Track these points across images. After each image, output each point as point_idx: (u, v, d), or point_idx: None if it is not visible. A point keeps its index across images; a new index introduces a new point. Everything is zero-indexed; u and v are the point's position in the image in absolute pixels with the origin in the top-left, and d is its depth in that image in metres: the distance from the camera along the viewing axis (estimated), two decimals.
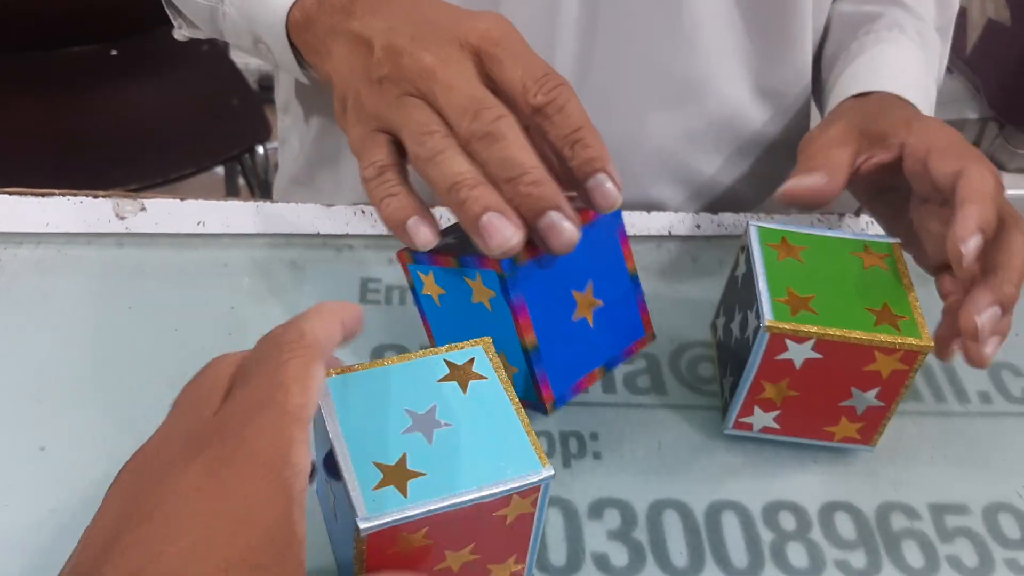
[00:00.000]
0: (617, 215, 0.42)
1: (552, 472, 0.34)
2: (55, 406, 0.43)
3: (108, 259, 0.51)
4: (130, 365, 0.45)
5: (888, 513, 0.44)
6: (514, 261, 0.38)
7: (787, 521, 0.43)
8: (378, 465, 0.33)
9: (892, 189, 0.49)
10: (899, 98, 0.54)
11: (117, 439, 0.42)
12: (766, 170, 0.66)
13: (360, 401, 0.35)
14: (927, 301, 0.44)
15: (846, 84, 0.57)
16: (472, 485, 0.33)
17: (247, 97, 1.38)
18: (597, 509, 0.42)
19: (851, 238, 0.45)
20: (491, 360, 0.37)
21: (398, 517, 0.32)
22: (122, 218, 0.53)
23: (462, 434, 0.35)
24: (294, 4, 0.46)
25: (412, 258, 0.42)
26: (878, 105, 0.53)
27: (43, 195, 0.53)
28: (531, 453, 0.35)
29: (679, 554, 0.41)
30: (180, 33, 0.60)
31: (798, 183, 0.47)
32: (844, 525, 0.43)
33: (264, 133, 1.31)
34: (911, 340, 0.41)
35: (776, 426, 0.45)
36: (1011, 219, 0.44)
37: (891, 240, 0.46)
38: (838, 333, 0.41)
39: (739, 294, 0.46)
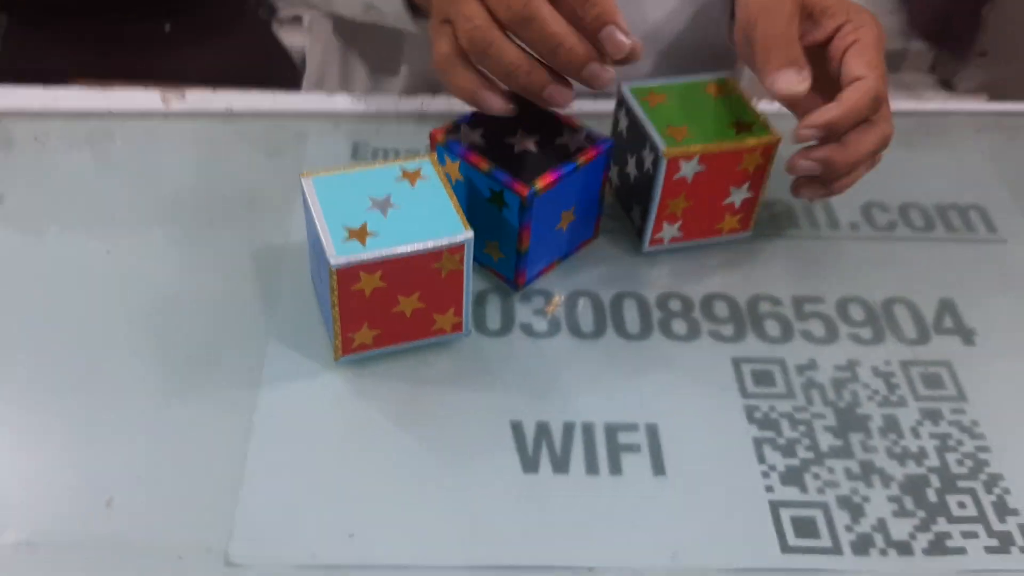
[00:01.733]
0: (609, 156, 0.54)
1: (471, 234, 0.47)
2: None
3: (164, 130, 0.65)
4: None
5: (757, 301, 0.56)
6: (536, 192, 0.50)
7: (675, 305, 0.55)
8: (346, 228, 0.47)
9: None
10: None
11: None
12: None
13: (336, 192, 0.48)
14: None
15: None
16: (413, 241, 0.46)
17: (289, 69, 1.51)
18: (527, 294, 0.55)
19: (697, 80, 0.57)
20: (435, 168, 0.50)
21: (356, 258, 0.45)
22: (167, 104, 0.67)
23: (408, 211, 0.48)
24: None
25: (445, 143, 0.53)
26: None
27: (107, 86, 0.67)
28: (457, 223, 0.47)
29: (587, 325, 0.54)
30: (287, 11, 0.71)
31: (796, 90, 0.51)
32: (720, 309, 0.55)
33: None
34: (765, 138, 0.54)
35: (680, 234, 0.57)
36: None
37: (724, 74, 0.58)
38: (714, 146, 0.53)
39: (626, 143, 0.58)
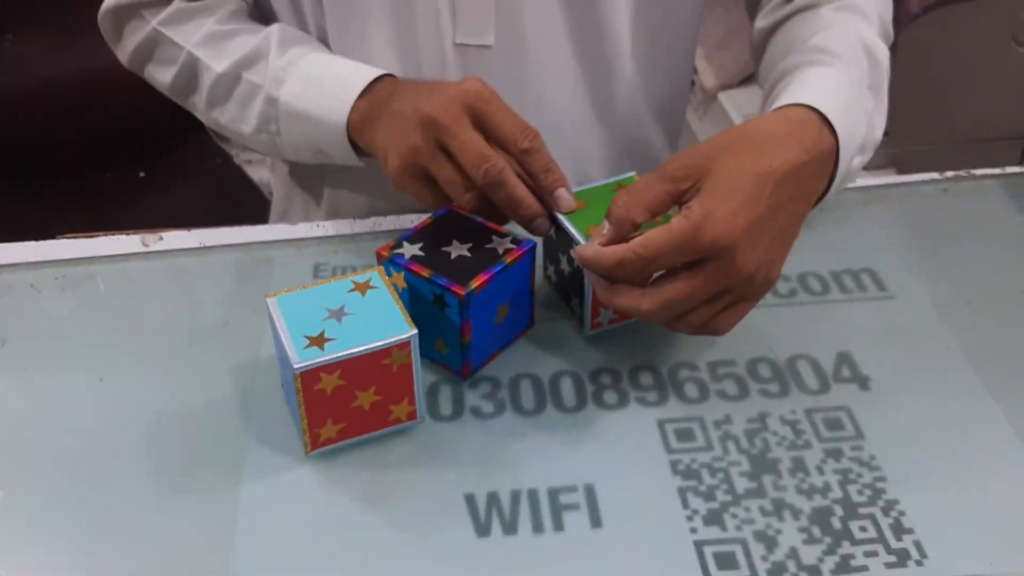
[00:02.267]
0: (533, 254, 0.62)
1: (415, 331, 0.55)
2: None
3: (142, 268, 0.73)
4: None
5: (678, 368, 0.63)
6: (472, 291, 0.58)
7: (605, 379, 0.63)
8: (306, 336, 0.54)
9: None
10: (800, 120, 0.59)
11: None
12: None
13: (298, 307, 0.56)
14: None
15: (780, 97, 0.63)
16: (365, 342, 0.54)
17: (258, 201, 1.61)
18: (475, 382, 0.63)
19: (605, 183, 0.65)
20: (382, 278, 0.58)
21: (317, 362, 0.53)
22: (146, 245, 0.75)
23: (360, 317, 0.55)
24: (351, 112, 0.68)
25: (390, 257, 0.61)
26: (751, 131, 0.58)
27: (93, 235, 0.75)
28: (403, 323, 0.55)
29: (528, 403, 0.61)
30: (240, 158, 0.82)
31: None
32: (646, 378, 0.63)
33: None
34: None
35: (616, 316, 0.65)
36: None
37: (633, 174, 0.66)
38: None
39: (556, 244, 0.66)
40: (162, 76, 0.79)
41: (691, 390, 0.62)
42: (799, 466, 0.57)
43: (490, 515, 0.54)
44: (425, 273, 0.59)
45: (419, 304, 0.61)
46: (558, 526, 0.54)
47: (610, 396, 0.62)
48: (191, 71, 0.77)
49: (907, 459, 0.57)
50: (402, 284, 0.60)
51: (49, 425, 0.60)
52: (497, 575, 0.51)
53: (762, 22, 0.78)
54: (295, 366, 0.53)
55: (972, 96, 1.12)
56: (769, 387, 0.62)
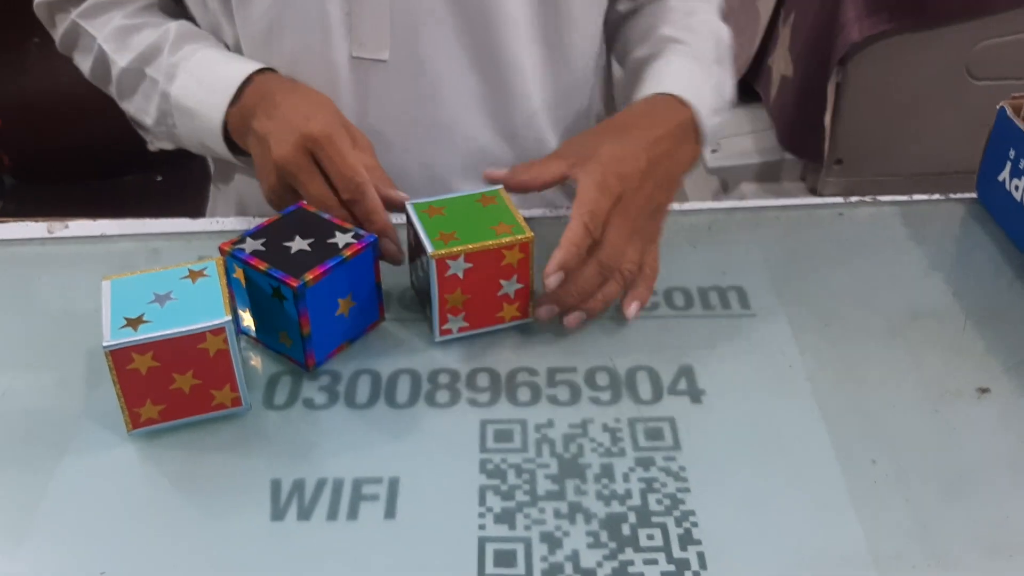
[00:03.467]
0: (375, 248, 0.64)
1: (230, 318, 0.56)
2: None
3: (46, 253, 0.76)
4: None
5: (516, 373, 0.64)
6: (305, 284, 0.60)
7: (443, 378, 0.64)
8: (125, 318, 0.56)
9: None
10: (663, 103, 0.72)
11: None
12: None
13: (128, 291, 0.58)
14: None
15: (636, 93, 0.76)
16: (179, 326, 0.56)
17: None
18: (317, 374, 0.64)
19: (471, 193, 0.67)
20: (218, 268, 0.60)
21: (127, 341, 0.55)
22: (50, 232, 0.78)
23: (183, 303, 0.58)
24: (227, 114, 0.71)
25: (231, 252, 0.63)
26: (614, 121, 0.72)
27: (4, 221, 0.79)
28: (220, 310, 0.57)
29: (362, 397, 0.62)
30: (153, 146, 0.87)
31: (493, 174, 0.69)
32: (482, 379, 0.64)
33: None
34: (520, 237, 0.63)
35: (466, 324, 0.66)
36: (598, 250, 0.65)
37: (498, 187, 0.67)
38: (476, 246, 0.62)
39: (414, 250, 0.67)
40: (84, 66, 0.83)
41: (523, 393, 0.63)
42: (606, 472, 0.57)
43: (290, 501, 0.56)
44: (262, 266, 0.61)
45: (260, 298, 0.63)
46: (352, 515, 0.55)
47: (442, 395, 0.63)
48: (102, 63, 0.80)
49: (716, 472, 0.57)
50: (243, 279, 0.62)
51: None
52: (279, 559, 0.53)
53: (622, 6, 0.86)
54: (104, 344, 0.55)
55: (926, 129, 1.10)
56: (601, 395, 0.63)
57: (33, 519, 0.55)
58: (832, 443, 0.59)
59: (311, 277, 0.60)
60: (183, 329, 0.56)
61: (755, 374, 0.64)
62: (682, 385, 0.63)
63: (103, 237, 0.78)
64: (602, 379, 0.64)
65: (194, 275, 0.60)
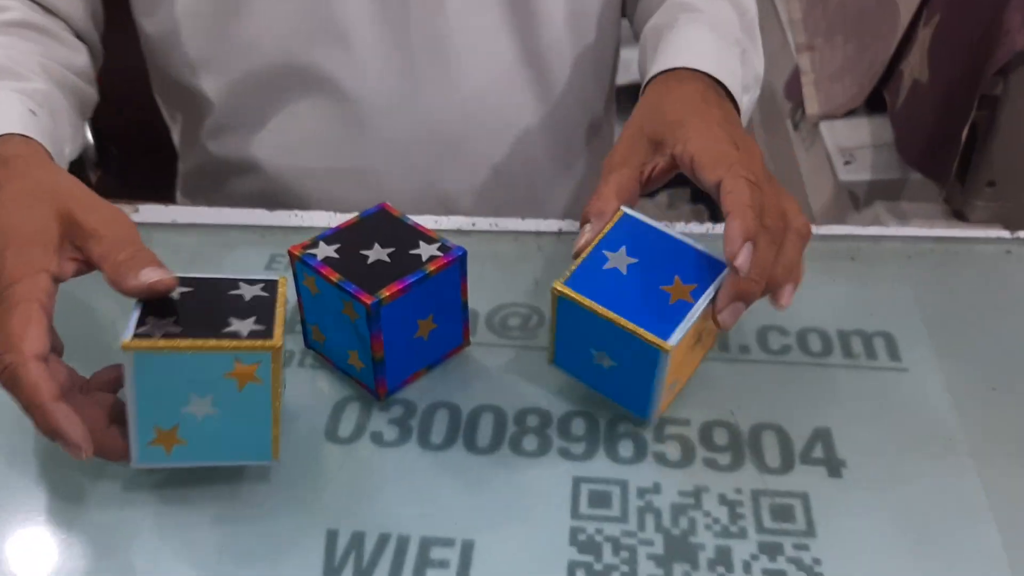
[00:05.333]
0: (463, 263, 0.55)
1: (272, 461, 0.49)
2: None
3: None
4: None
5: (617, 422, 0.55)
6: (380, 301, 0.51)
7: (532, 420, 0.55)
8: (156, 428, 0.48)
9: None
10: (694, 79, 0.60)
11: None
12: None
13: (162, 376, 0.46)
14: None
15: (652, 66, 0.64)
16: (216, 459, 0.49)
17: None
18: (388, 404, 0.56)
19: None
20: (272, 367, 0.47)
21: (157, 465, 0.49)
22: None
23: (224, 422, 0.48)
24: None
25: (301, 258, 0.54)
26: (664, 97, 0.60)
27: None
28: (267, 448, 0.49)
29: (439, 435, 0.54)
30: None
31: (578, 247, 0.54)
32: (577, 426, 0.54)
33: None
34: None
35: None
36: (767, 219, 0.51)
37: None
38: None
39: None
40: None
41: (625, 448, 0.53)
42: (722, 558, 0.47)
43: (346, 559, 0.47)
44: (334, 277, 0.53)
45: (331, 312, 0.54)
46: None
47: (530, 442, 0.54)
48: None
49: (859, 568, 0.47)
50: (315, 289, 0.54)
51: None
52: None
53: None
54: (133, 464, 0.48)
55: None
56: (719, 457, 0.53)
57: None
58: (1001, 538, 0.48)
59: (388, 294, 0.52)
60: (223, 463, 0.50)
61: (907, 445, 0.53)
62: (818, 452, 0.53)
63: (173, 225, 0.71)
64: (720, 437, 0.54)
65: (242, 373, 0.47)
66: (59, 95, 0.65)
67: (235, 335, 0.46)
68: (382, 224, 0.57)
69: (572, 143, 0.85)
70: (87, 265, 0.50)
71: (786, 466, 0.52)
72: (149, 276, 0.48)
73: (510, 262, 0.67)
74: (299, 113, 0.76)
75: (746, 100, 0.66)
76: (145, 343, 0.46)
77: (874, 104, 1.24)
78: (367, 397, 0.56)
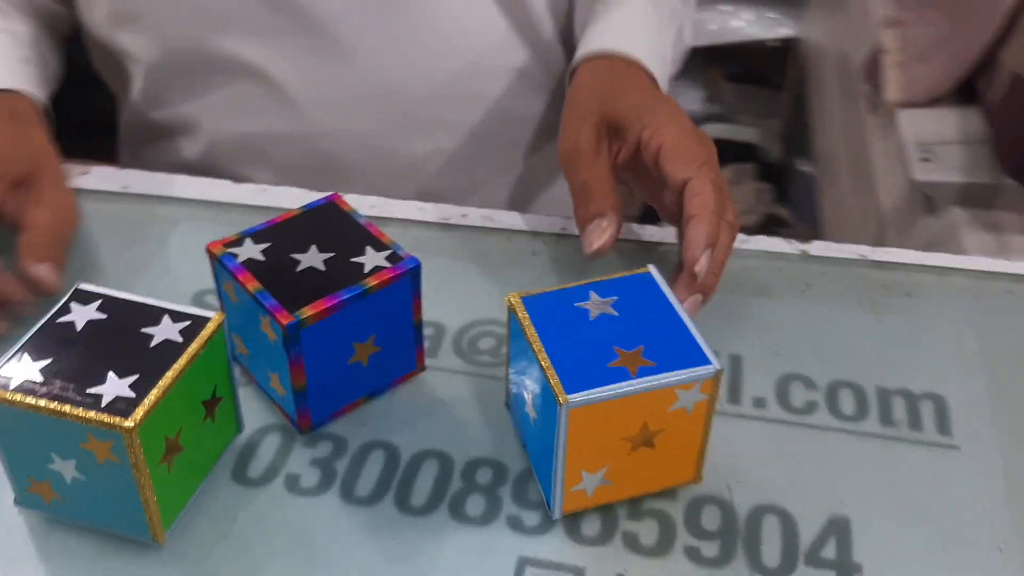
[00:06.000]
0: (415, 278, 0.45)
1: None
2: None
3: None
4: None
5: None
6: (301, 322, 0.42)
7: (483, 475, 0.45)
8: (29, 478, 0.41)
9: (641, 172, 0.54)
10: (633, 66, 0.58)
11: None
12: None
13: (17, 427, 0.39)
14: None
15: (587, 41, 0.61)
16: (96, 524, 0.42)
17: None
18: (313, 439, 0.47)
19: None
20: (129, 449, 0.38)
21: (36, 511, 0.42)
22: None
23: (93, 489, 0.40)
24: None
25: (219, 259, 0.45)
26: (612, 80, 0.57)
27: None
28: (144, 528, 0.40)
29: (366, 486, 0.44)
30: None
31: (601, 245, 0.51)
32: (536, 488, 0.44)
33: None
34: None
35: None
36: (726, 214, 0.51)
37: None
38: None
39: None
40: None
41: (590, 524, 0.43)
42: None
43: None
44: (251, 286, 0.43)
45: (250, 325, 0.45)
46: None
47: (475, 504, 0.44)
48: None
49: None
50: (234, 297, 0.45)
51: None
52: None
53: None
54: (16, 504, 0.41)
55: None
56: (704, 547, 0.42)
57: None
58: None
59: (311, 313, 0.42)
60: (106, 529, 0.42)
61: (944, 551, 0.42)
62: (829, 550, 0.42)
63: (123, 194, 0.62)
64: (710, 519, 0.43)
65: (97, 451, 0.38)
66: (44, 35, 0.68)
67: (94, 403, 0.37)
68: (327, 220, 0.47)
69: (555, 100, 0.75)
70: (15, 216, 0.53)
71: (787, 566, 0.41)
72: (38, 271, 0.51)
73: (497, 265, 0.57)
74: (235, 73, 0.67)
75: (667, 84, 0.65)
76: None
77: (965, 95, 1.09)
78: (290, 429, 0.47)
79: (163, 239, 0.59)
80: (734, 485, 0.45)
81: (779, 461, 0.46)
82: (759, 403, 0.49)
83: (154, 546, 0.41)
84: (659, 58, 0.61)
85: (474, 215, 0.61)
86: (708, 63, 1.93)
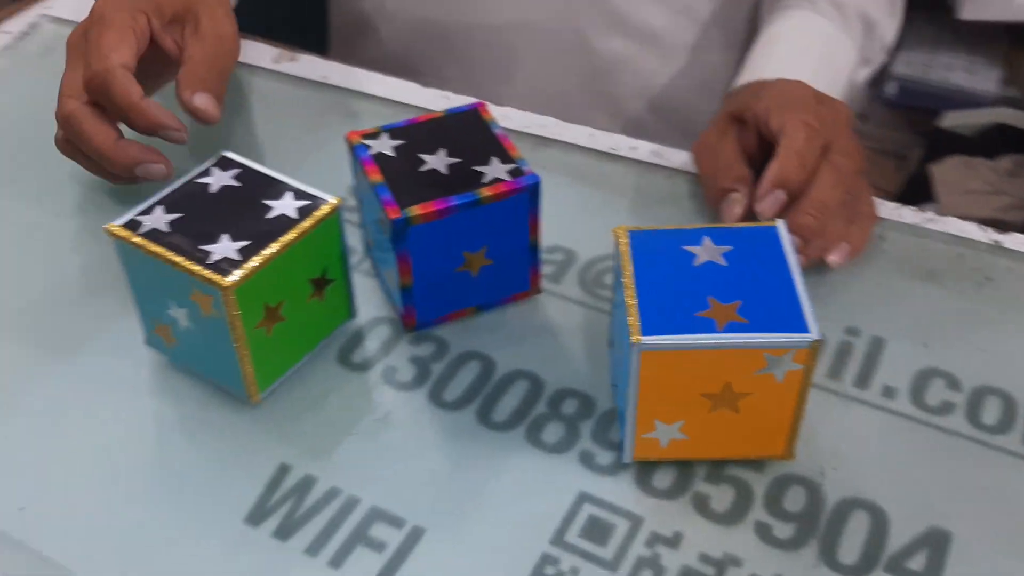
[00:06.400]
0: (533, 195, 0.45)
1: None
2: None
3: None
4: None
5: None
6: (408, 219, 0.43)
7: (569, 406, 0.44)
8: (152, 319, 0.45)
9: None
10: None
11: None
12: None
13: (140, 270, 0.43)
14: None
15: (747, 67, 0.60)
16: (204, 373, 0.45)
17: None
18: (417, 339, 0.47)
19: None
20: (227, 308, 0.40)
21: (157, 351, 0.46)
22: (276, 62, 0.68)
23: (200, 339, 0.43)
24: None
25: (355, 148, 0.46)
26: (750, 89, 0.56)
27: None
28: (241, 385, 0.43)
29: (453, 393, 0.45)
30: None
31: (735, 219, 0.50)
32: (618, 430, 0.43)
33: None
34: None
35: None
36: (832, 156, 0.49)
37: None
38: None
39: None
40: None
41: (663, 476, 0.41)
42: None
43: (285, 499, 0.41)
44: (374, 178, 0.44)
45: (375, 219, 0.46)
46: (336, 562, 0.39)
47: (553, 431, 0.43)
48: None
49: None
50: (369, 179, 0.46)
51: None
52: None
53: None
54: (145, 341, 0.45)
55: None
56: (778, 527, 0.39)
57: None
58: None
59: (420, 213, 0.43)
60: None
61: None
62: (917, 562, 0.38)
63: (321, 84, 0.65)
64: (794, 500, 0.40)
65: (202, 304, 0.41)
66: None
67: (203, 259, 0.40)
68: (464, 127, 0.47)
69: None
70: (174, 52, 0.52)
71: (863, 567, 0.38)
72: (199, 101, 0.49)
73: (651, 203, 0.55)
74: None
75: (860, 78, 0.65)
76: (123, 233, 0.42)
77: None
78: (399, 324, 0.48)
79: (341, 129, 0.61)
80: (829, 471, 0.41)
81: (888, 457, 0.42)
82: (889, 393, 0.44)
83: (250, 404, 0.44)
84: (827, 77, 0.58)
85: (643, 149, 0.59)
86: (1014, 43, 1.74)
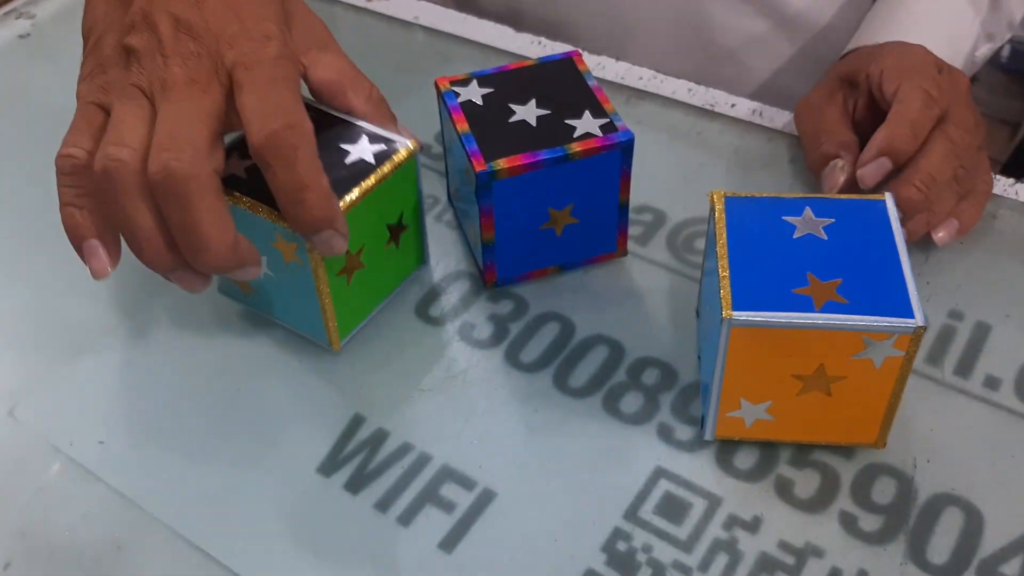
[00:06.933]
0: (627, 152, 0.43)
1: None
2: None
3: None
4: None
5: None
6: (493, 173, 0.41)
7: (650, 376, 0.43)
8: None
9: None
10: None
11: None
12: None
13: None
14: None
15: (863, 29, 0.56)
16: (281, 320, 0.40)
17: None
18: (496, 296, 0.46)
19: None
20: (311, 255, 0.39)
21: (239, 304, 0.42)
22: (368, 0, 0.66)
23: (280, 287, 0.42)
24: None
25: (443, 94, 0.45)
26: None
27: None
28: (323, 333, 0.43)
29: (531, 354, 0.44)
30: None
31: (839, 188, 0.47)
32: (700, 405, 0.41)
33: None
34: None
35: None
36: (948, 127, 0.46)
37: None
38: None
39: None
40: None
41: (745, 456, 0.39)
42: None
43: (358, 451, 0.40)
44: (460, 127, 0.43)
45: (461, 169, 0.45)
46: (406, 519, 0.38)
47: (632, 401, 0.42)
48: None
49: None
50: (457, 128, 0.45)
51: None
52: (296, 524, 0.38)
53: None
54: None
55: None
56: (864, 518, 0.37)
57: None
58: None
59: (505, 167, 0.41)
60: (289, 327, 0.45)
61: None
62: (1012, 566, 0.36)
63: (412, 24, 0.64)
64: (882, 491, 0.38)
65: (284, 251, 0.40)
66: None
67: None
68: (557, 77, 0.45)
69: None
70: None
71: (953, 568, 0.36)
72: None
73: (749, 165, 0.52)
74: None
75: (980, 53, 0.60)
76: None
77: None
78: (479, 280, 0.47)
79: (430, 73, 0.60)
80: (923, 464, 0.39)
81: (986, 453, 0.39)
82: (992, 384, 0.41)
83: (329, 351, 0.44)
84: (949, 45, 0.53)
85: (743, 107, 0.56)
86: None
